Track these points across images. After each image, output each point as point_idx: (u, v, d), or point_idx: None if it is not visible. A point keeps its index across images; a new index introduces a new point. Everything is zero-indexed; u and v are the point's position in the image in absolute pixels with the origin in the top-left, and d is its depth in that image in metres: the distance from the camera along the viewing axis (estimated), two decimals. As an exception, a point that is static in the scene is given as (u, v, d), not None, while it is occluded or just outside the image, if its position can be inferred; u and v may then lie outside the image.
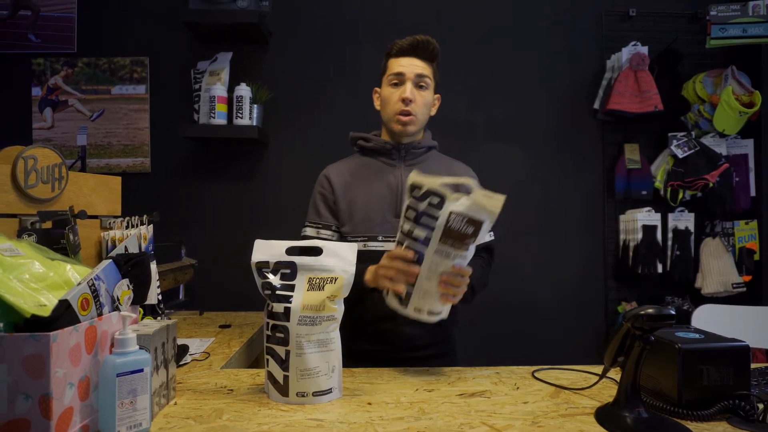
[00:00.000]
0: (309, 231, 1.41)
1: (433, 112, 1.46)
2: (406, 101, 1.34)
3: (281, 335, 0.90)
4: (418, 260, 1.01)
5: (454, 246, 0.98)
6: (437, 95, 1.46)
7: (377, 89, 1.47)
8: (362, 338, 1.35)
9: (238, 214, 2.35)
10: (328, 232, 1.40)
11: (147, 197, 2.30)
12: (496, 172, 2.31)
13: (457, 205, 0.97)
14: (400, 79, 1.37)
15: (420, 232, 0.99)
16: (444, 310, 1.04)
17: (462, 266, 1.02)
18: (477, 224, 0.97)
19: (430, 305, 1.03)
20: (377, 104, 1.47)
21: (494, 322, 2.33)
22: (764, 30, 2.12)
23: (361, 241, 1.34)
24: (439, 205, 0.97)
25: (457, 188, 1.09)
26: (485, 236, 1.02)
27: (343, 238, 1.39)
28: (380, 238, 1.35)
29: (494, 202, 0.96)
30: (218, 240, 2.32)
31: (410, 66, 1.36)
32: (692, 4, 2.36)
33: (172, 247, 2.03)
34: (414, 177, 1.01)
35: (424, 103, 1.39)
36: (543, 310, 2.37)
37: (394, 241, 1.09)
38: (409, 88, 1.35)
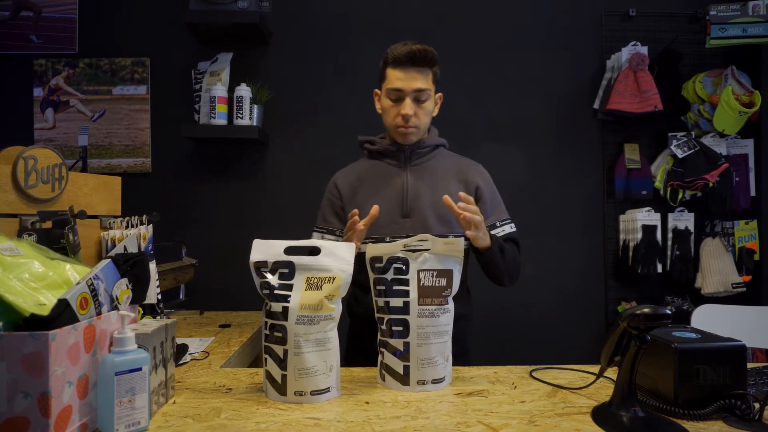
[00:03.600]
0: (315, 236, 1.49)
1: (436, 112, 1.46)
2: (406, 118, 1.36)
3: (279, 334, 0.91)
4: (405, 330, 0.98)
5: (434, 302, 0.99)
6: (439, 94, 1.45)
7: (377, 92, 1.47)
8: (367, 333, 1.35)
9: (238, 214, 2.35)
10: (332, 237, 1.46)
11: (148, 197, 2.31)
12: (496, 172, 2.30)
13: (421, 262, 0.99)
14: (398, 95, 1.37)
15: (396, 302, 0.99)
16: (447, 374, 1.01)
17: (449, 316, 1.01)
18: (447, 273, 1.00)
19: (432, 373, 0.98)
20: (378, 107, 1.48)
21: (494, 322, 2.33)
22: (764, 30, 2.12)
23: (369, 242, 1.35)
24: (405, 270, 0.99)
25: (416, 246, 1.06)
26: (458, 283, 1.02)
27: None
28: (387, 239, 1.36)
29: (455, 246, 1.00)
30: (218, 240, 2.33)
31: (408, 81, 1.35)
32: (692, 4, 2.36)
33: (173, 247, 2.03)
34: (371, 251, 1.01)
35: (425, 113, 1.40)
36: (543, 310, 2.37)
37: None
38: (408, 105, 1.35)
